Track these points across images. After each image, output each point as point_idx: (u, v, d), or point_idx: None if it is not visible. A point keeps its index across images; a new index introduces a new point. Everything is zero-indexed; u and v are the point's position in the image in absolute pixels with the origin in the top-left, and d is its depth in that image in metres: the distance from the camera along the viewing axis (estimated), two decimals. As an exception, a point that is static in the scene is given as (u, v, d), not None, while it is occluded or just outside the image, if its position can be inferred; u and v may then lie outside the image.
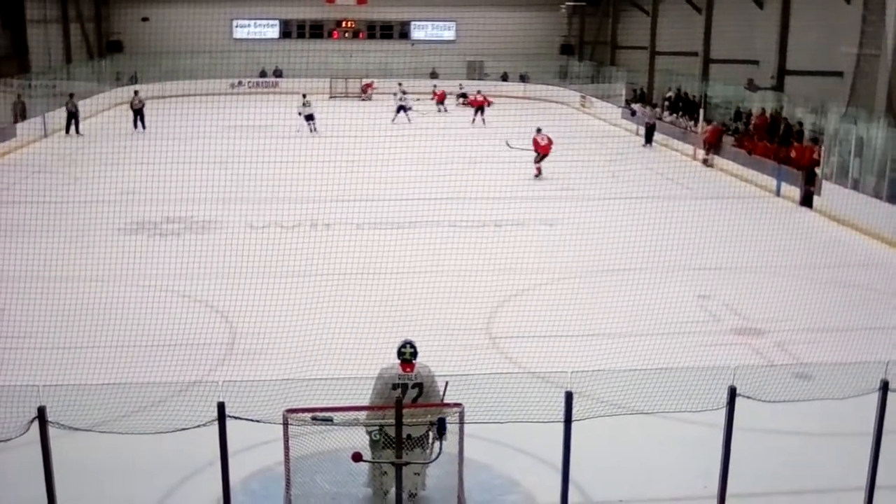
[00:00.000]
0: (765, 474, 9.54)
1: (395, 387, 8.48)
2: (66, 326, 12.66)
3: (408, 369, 8.60)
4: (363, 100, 48.13)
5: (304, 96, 36.59)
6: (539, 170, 27.10)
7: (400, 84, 41.08)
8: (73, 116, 34.69)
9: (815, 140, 25.29)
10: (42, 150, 30.80)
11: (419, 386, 8.54)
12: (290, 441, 8.07)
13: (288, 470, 8.25)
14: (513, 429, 8.39)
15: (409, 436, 7.96)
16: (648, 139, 34.88)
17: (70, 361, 11.47)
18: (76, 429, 7.39)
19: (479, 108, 39.41)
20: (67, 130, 34.48)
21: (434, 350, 10.90)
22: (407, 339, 8.75)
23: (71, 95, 35.81)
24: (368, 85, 49.09)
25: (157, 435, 7.79)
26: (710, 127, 30.66)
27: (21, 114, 33.48)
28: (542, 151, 27.00)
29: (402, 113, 38.76)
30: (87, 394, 7.93)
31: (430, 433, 8.24)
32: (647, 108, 37.35)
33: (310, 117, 35.43)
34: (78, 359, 11.64)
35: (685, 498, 9.24)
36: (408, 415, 7.87)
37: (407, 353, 8.63)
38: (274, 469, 8.97)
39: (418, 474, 8.64)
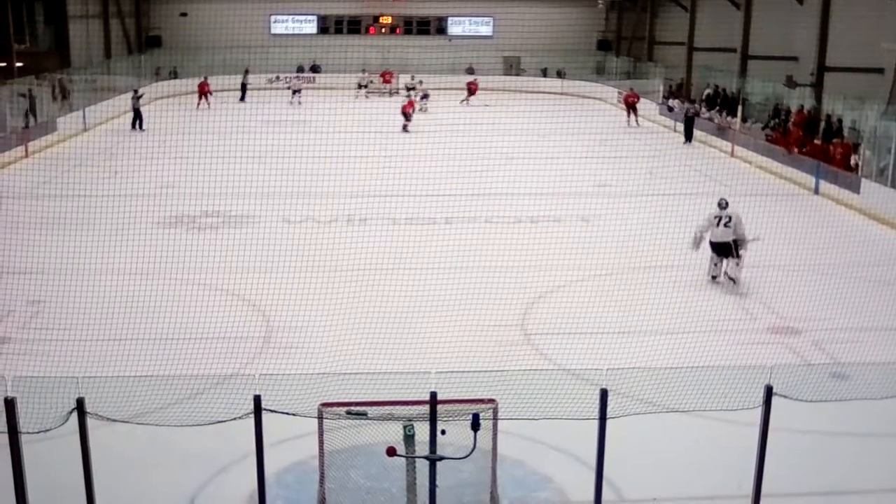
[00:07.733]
0: (800, 474, 9.46)
1: (714, 217, 15.32)
2: (105, 319, 12.82)
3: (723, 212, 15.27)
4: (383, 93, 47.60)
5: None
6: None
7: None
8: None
9: (857, 146, 24.84)
10: (82, 143, 31.13)
11: (729, 217, 15.13)
12: (324, 435, 8.12)
13: (322, 464, 8.30)
14: (547, 425, 8.38)
15: None
16: (689, 135, 33.65)
17: (108, 354, 11.65)
18: (114, 420, 7.49)
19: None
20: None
21: (469, 345, 10.95)
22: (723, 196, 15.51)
23: None
24: (387, 73, 48.68)
25: (193, 427, 7.86)
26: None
27: (32, 110, 32.64)
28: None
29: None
30: (124, 385, 8.03)
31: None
32: (684, 102, 36.86)
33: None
34: (116, 351, 11.81)
35: (719, 497, 9.19)
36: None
37: (723, 202, 15.48)
38: (308, 462, 9.02)
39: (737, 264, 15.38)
